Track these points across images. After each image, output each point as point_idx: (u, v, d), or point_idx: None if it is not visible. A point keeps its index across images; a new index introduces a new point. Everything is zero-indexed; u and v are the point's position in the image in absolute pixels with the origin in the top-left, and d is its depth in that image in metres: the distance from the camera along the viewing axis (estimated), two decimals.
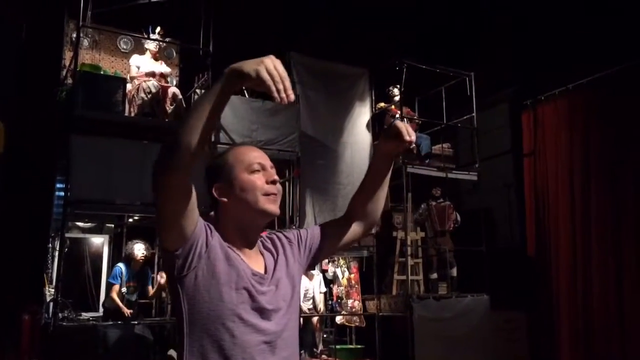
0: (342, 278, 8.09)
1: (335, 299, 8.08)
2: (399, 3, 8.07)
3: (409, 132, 1.56)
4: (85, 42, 6.61)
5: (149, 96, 6.06)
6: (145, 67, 6.40)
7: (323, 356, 7.59)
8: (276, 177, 1.55)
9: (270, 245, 1.65)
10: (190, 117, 1.30)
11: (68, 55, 6.49)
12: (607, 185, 7.44)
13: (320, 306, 7.74)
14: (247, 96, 6.75)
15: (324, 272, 8.12)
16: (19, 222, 6.16)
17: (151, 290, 6.28)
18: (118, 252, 7.27)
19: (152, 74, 6.32)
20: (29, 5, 6.34)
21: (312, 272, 7.62)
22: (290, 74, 7.28)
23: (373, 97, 8.29)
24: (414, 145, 1.58)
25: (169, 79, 6.62)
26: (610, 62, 7.25)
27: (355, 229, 1.73)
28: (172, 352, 6.02)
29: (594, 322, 7.35)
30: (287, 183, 7.28)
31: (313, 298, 7.66)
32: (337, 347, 7.88)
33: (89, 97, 5.72)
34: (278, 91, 1.25)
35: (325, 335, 8.07)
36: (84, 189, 5.49)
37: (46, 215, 6.26)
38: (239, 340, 1.43)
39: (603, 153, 7.54)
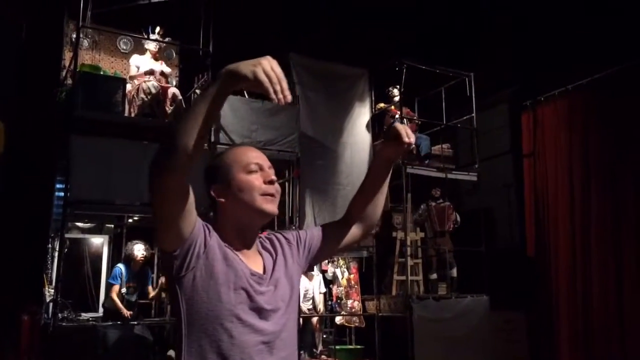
0: (342, 278, 8.10)
1: (334, 299, 8.08)
2: (398, 3, 8.07)
3: (407, 134, 1.57)
4: (85, 43, 6.61)
5: (148, 97, 6.05)
6: (145, 67, 6.40)
7: (323, 356, 7.60)
8: (274, 177, 1.55)
9: (269, 246, 1.65)
10: (186, 119, 1.29)
11: (68, 55, 6.48)
12: (607, 185, 7.44)
13: (320, 306, 7.74)
14: (246, 96, 6.74)
15: (323, 272, 8.13)
16: (19, 222, 6.16)
17: (151, 291, 6.28)
18: (118, 253, 7.27)
19: (150, 72, 6.31)
20: (29, 5, 6.34)
21: (312, 272, 7.63)
22: (290, 75, 7.35)
23: (373, 98, 8.29)
24: (413, 146, 1.59)
25: (169, 79, 6.62)
26: (610, 62, 7.25)
27: (354, 231, 1.74)
28: (172, 353, 6.02)
29: (594, 322, 7.35)
30: (286, 183, 7.28)
31: (313, 298, 7.66)
32: (337, 347, 7.89)
33: (89, 98, 5.72)
34: (275, 92, 1.25)
35: (324, 336, 8.07)
36: (83, 189, 5.48)
37: (46, 216, 6.26)
38: (237, 341, 1.43)
39: (602, 153, 7.54)
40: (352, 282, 8.06)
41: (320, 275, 7.93)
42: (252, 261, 1.55)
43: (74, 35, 6.10)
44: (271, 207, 1.53)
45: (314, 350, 7.62)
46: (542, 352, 7.90)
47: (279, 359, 1.49)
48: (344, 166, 7.77)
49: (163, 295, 6.44)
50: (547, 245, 8.17)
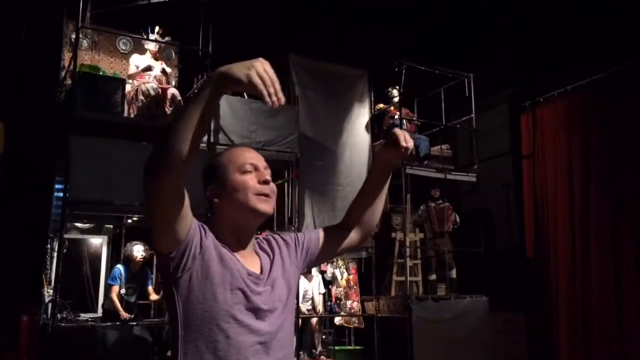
0: (341, 279, 8.09)
1: (334, 300, 8.07)
2: (398, 3, 8.07)
3: (406, 139, 1.57)
4: (85, 43, 6.60)
5: (147, 99, 6.05)
6: (144, 66, 6.40)
7: (322, 357, 7.59)
8: (268, 178, 1.55)
9: (266, 247, 1.65)
10: (180, 122, 1.29)
11: (67, 56, 6.48)
12: (606, 186, 7.45)
13: (319, 307, 7.74)
14: (246, 97, 6.74)
15: (322, 273, 8.12)
16: (18, 222, 6.16)
17: (151, 291, 6.26)
18: (117, 253, 7.26)
19: (148, 69, 6.30)
20: (28, 6, 6.34)
21: (311, 273, 7.63)
22: (289, 75, 7.36)
23: (372, 98, 8.29)
24: (412, 147, 1.59)
25: (169, 79, 6.61)
26: (609, 63, 7.26)
27: (352, 235, 1.75)
28: None
29: (593, 323, 7.35)
30: (286, 184, 7.29)
31: (312, 299, 7.66)
32: (336, 348, 7.88)
33: (88, 98, 5.71)
34: (269, 95, 1.25)
35: (324, 336, 8.07)
36: (83, 189, 5.48)
37: (45, 216, 6.26)
38: (233, 341, 1.43)
39: (602, 154, 7.54)
40: (352, 283, 8.06)
41: (320, 276, 7.93)
42: (249, 261, 1.55)
43: (74, 36, 6.09)
44: (265, 206, 1.52)
45: (313, 350, 7.62)
46: (542, 352, 7.90)
47: None
48: (344, 167, 7.77)
49: None
50: (546, 246, 8.17)
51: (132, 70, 6.40)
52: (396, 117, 7.92)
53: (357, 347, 8.06)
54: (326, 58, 7.82)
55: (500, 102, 8.99)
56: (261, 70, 1.25)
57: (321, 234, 1.75)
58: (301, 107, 7.35)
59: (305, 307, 7.50)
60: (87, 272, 7.57)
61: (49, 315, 5.49)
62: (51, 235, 6.47)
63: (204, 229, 1.48)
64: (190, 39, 6.74)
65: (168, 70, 6.63)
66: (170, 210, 1.36)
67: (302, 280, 7.41)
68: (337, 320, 8.15)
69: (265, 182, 1.53)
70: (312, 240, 1.72)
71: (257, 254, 1.60)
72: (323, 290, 7.89)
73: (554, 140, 8.26)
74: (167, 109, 6.18)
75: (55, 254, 6.09)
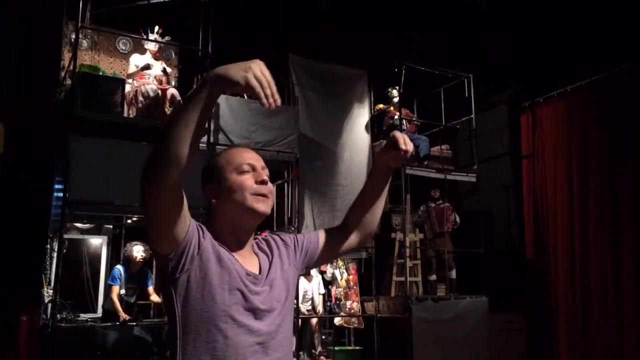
0: (341, 279, 8.09)
1: (333, 300, 8.07)
2: (398, 4, 8.07)
3: (405, 142, 1.57)
4: (84, 43, 6.60)
5: (146, 101, 6.05)
6: (143, 64, 6.39)
7: (322, 357, 7.58)
8: (265, 178, 1.55)
9: (265, 247, 1.65)
10: (176, 126, 1.27)
11: (67, 56, 6.48)
12: (606, 186, 7.45)
13: (319, 307, 7.73)
14: (245, 97, 6.74)
15: (322, 273, 8.12)
16: (18, 222, 6.16)
17: (152, 292, 6.25)
18: (117, 253, 7.26)
19: (147, 67, 6.30)
20: (28, 6, 6.34)
21: (311, 273, 7.62)
22: (289, 76, 7.36)
23: (372, 99, 8.29)
24: (412, 150, 1.60)
25: (170, 79, 6.61)
26: (609, 64, 7.26)
27: (352, 238, 1.75)
28: None
29: (593, 323, 7.35)
30: (285, 184, 7.29)
31: (312, 299, 7.65)
32: (336, 348, 7.87)
33: (88, 98, 5.71)
34: (266, 97, 1.25)
35: (323, 337, 8.06)
36: (82, 189, 5.48)
37: (45, 216, 6.26)
38: (231, 342, 1.42)
39: (601, 155, 7.55)
40: (351, 283, 8.05)
41: (320, 276, 7.92)
42: (248, 261, 1.55)
43: (73, 36, 6.09)
44: (262, 206, 1.52)
45: (313, 351, 7.61)
46: (542, 352, 7.91)
47: None
48: (343, 167, 7.77)
49: None
50: (546, 246, 8.18)
51: (132, 69, 6.40)
52: (396, 117, 7.92)
53: (357, 348, 8.05)
54: (326, 58, 7.82)
55: (500, 102, 9.00)
56: (258, 72, 1.25)
57: (321, 235, 1.75)
58: (301, 108, 7.35)
59: (305, 307, 7.49)
60: (87, 272, 7.55)
61: (48, 316, 5.49)
62: (51, 236, 6.46)
63: (202, 229, 1.48)
64: (190, 39, 6.74)
65: (169, 70, 6.63)
66: (169, 213, 1.36)
67: (302, 280, 7.41)
68: (337, 320, 8.15)
69: (263, 182, 1.53)
70: (311, 242, 1.72)
71: (256, 254, 1.60)
72: (323, 291, 7.88)
73: (553, 140, 8.26)
74: (166, 110, 6.18)
75: (55, 254, 6.09)
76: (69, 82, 6.14)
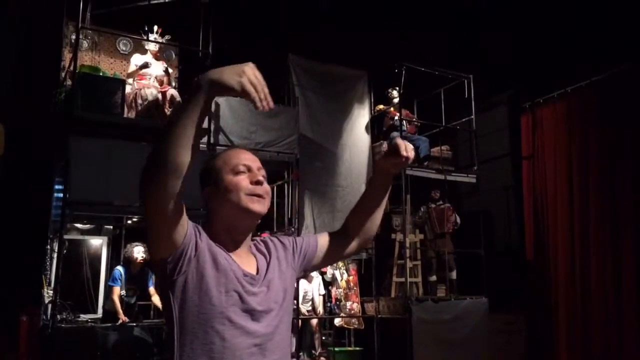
0: (341, 280, 8.09)
1: (334, 301, 8.07)
2: (398, 4, 8.07)
3: (407, 149, 1.58)
4: (85, 44, 6.60)
5: (145, 103, 6.04)
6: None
7: (322, 358, 7.59)
8: (261, 178, 1.55)
9: (263, 248, 1.65)
10: (172, 131, 1.29)
11: (67, 56, 6.48)
12: (606, 187, 7.45)
13: (319, 308, 7.73)
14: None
15: (322, 274, 8.12)
16: (18, 223, 6.16)
17: (154, 292, 6.24)
18: (117, 254, 7.26)
19: (145, 66, 6.29)
20: (28, 6, 6.34)
21: (311, 274, 7.62)
22: (289, 76, 7.36)
23: (372, 99, 8.29)
24: (413, 157, 1.60)
25: (170, 79, 6.61)
26: (609, 64, 7.26)
27: (351, 243, 1.76)
28: None
29: (593, 323, 7.35)
30: (286, 185, 7.29)
31: (312, 300, 7.66)
32: (336, 349, 7.87)
33: (88, 99, 5.71)
34: (260, 100, 1.27)
35: (323, 337, 8.06)
36: (82, 190, 5.47)
37: (45, 217, 6.26)
38: (229, 344, 1.42)
39: (601, 155, 7.55)
40: (351, 284, 8.05)
41: (320, 277, 7.92)
42: (245, 262, 1.55)
43: (74, 36, 6.09)
44: (257, 206, 1.52)
45: (313, 351, 7.61)
46: (542, 353, 7.91)
47: None
48: (343, 168, 7.77)
49: None
50: (546, 247, 8.18)
51: (132, 69, 6.40)
52: (396, 118, 7.92)
53: (357, 348, 8.05)
54: (326, 59, 7.82)
55: (500, 103, 9.00)
56: (252, 76, 1.27)
57: (320, 239, 1.75)
58: (301, 108, 7.35)
59: (305, 308, 7.49)
60: (87, 273, 7.56)
61: (48, 316, 5.49)
62: (51, 236, 6.46)
63: (199, 231, 1.48)
64: (190, 39, 6.74)
65: (170, 70, 6.62)
66: (168, 217, 1.37)
67: (302, 281, 7.41)
68: (337, 321, 8.14)
69: (258, 183, 1.54)
70: (310, 246, 1.72)
71: (254, 255, 1.61)
72: (323, 292, 7.89)
73: (553, 141, 8.27)
74: (166, 110, 6.18)
75: (55, 255, 6.09)
76: (69, 82, 6.14)
